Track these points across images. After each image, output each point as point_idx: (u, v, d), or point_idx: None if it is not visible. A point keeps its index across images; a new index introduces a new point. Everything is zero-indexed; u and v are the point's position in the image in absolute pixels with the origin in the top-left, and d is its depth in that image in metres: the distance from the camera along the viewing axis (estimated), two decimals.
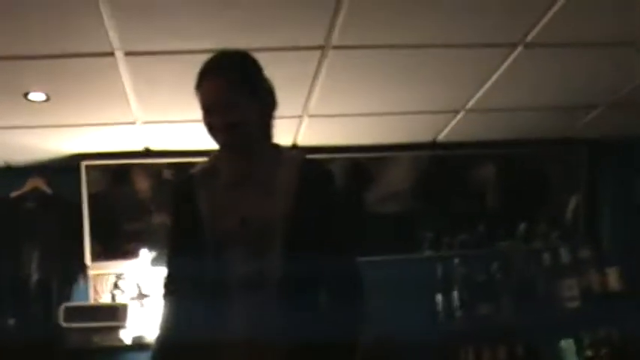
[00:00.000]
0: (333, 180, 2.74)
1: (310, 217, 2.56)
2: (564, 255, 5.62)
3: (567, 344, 5.45)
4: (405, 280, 5.28)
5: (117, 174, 5.30)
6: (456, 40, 4.08)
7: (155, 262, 5.17)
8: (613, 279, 5.51)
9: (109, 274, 5.27)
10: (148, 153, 5.34)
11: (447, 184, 5.77)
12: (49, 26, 3.57)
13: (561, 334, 5.45)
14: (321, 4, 3.57)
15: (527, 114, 5.27)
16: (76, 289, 5.20)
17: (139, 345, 4.95)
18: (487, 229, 5.75)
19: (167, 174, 5.35)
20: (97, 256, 5.24)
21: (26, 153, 5.16)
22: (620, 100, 5.09)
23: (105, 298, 5.22)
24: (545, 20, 3.89)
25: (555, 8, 3.76)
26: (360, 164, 5.48)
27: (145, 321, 5.01)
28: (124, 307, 5.02)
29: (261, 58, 2.70)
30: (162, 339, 2.65)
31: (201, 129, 4.83)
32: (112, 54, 3.87)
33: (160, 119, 4.81)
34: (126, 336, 4.97)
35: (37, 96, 4.31)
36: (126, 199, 5.32)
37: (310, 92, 4.54)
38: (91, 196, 5.25)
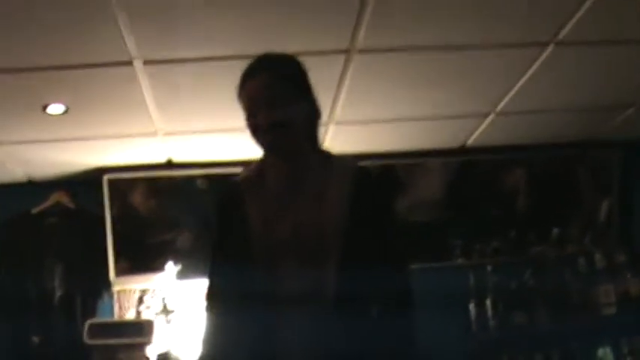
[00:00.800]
0: (389, 191, 2.60)
1: (366, 227, 2.41)
2: (599, 260, 5.51)
3: (605, 352, 5.32)
4: (436, 290, 5.14)
5: (140, 187, 5.22)
6: (484, 41, 3.96)
7: (180, 275, 5.09)
8: None
9: (133, 289, 5.18)
10: (170, 165, 5.25)
11: (478, 190, 5.65)
12: (66, 36, 3.48)
13: (599, 342, 5.33)
14: (346, 7, 3.45)
15: (559, 115, 5.14)
16: (100, 305, 5.11)
17: None
18: (519, 234, 5.62)
19: (201, 183, 5.28)
20: (121, 271, 5.17)
21: (47, 167, 5.10)
22: None
23: (130, 314, 5.14)
24: (576, 18, 3.76)
25: (587, 5, 3.63)
26: (390, 171, 5.37)
27: (171, 337, 4.93)
28: (150, 322, 4.92)
29: None
30: (207, 356, 2.51)
31: (225, 139, 4.84)
32: (130, 63, 3.77)
33: (181, 130, 4.73)
34: (152, 352, 4.86)
35: (56, 108, 4.23)
36: (149, 212, 5.24)
37: (336, 98, 4.42)
38: (114, 210, 5.18)
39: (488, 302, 5.27)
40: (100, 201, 5.17)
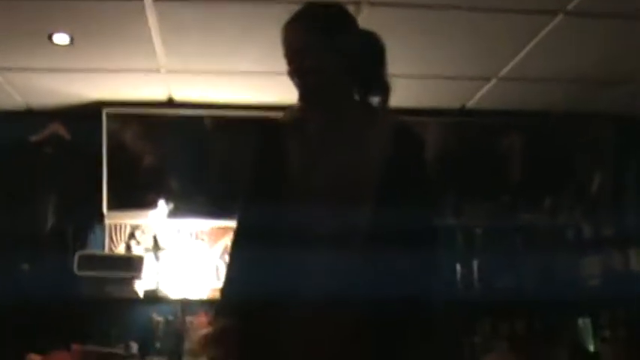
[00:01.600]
0: (425, 147, 2.65)
1: (401, 179, 2.44)
2: (587, 232, 5.53)
3: (585, 323, 5.37)
4: None
5: (138, 123, 5.22)
6: (495, 4, 3.96)
7: (172, 214, 5.12)
8: (635, 260, 5.41)
9: (125, 224, 5.20)
10: (171, 103, 5.25)
11: (473, 153, 5.66)
12: None
13: (580, 312, 5.37)
14: None
15: (560, 85, 5.14)
16: (91, 238, 5.13)
17: (152, 297, 4.91)
18: (511, 200, 5.64)
19: (204, 124, 5.29)
20: (114, 206, 5.17)
21: (47, 97, 5.07)
22: None
23: (120, 249, 5.16)
24: None
25: None
26: None
27: (159, 274, 4.97)
28: (140, 258, 4.96)
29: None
30: (231, 292, 2.54)
31: (229, 81, 4.84)
32: None
33: (185, 68, 4.71)
34: (140, 287, 4.92)
35: (61, 38, 4.21)
36: (146, 148, 5.24)
37: None
38: (110, 145, 5.17)
39: (474, 264, 5.30)
40: (98, 134, 5.16)
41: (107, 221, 5.18)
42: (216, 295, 4.81)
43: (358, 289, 2.37)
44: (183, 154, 5.28)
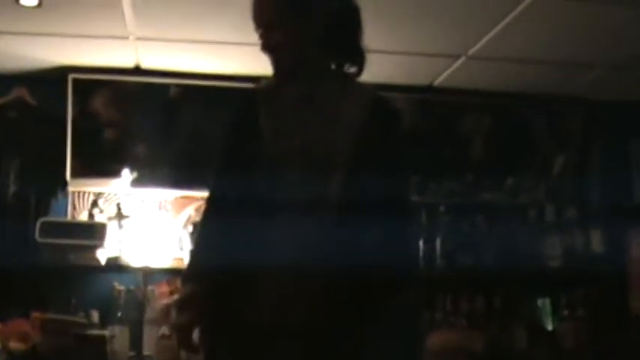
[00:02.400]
0: (401, 121, 2.64)
1: (374, 152, 2.46)
2: (549, 213, 5.57)
3: (544, 303, 5.43)
4: None
5: (104, 90, 5.15)
6: None
7: (136, 183, 5.08)
8: (596, 241, 5.48)
9: (88, 192, 5.15)
10: (138, 70, 5.19)
11: (438, 130, 5.68)
12: None
13: (540, 292, 5.43)
14: None
15: (529, 67, 5.17)
16: (54, 205, 5.06)
17: (114, 266, 4.87)
18: (474, 179, 5.66)
19: (173, 92, 5.23)
20: (77, 173, 5.10)
21: (13, 60, 4.97)
22: (625, 62, 5.01)
23: (83, 216, 5.11)
24: None
25: None
26: None
27: (122, 242, 4.93)
28: (102, 226, 4.91)
29: None
30: (201, 258, 2.56)
31: (198, 50, 4.80)
32: None
33: (155, 36, 4.64)
34: (102, 255, 4.87)
35: (29, 0, 4.13)
36: (111, 116, 5.17)
37: None
38: (75, 111, 5.10)
39: (437, 241, 5.32)
40: (63, 100, 5.08)
41: (70, 189, 5.11)
42: (179, 264, 4.88)
43: (328, 256, 2.39)
44: (150, 123, 5.22)
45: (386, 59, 4.95)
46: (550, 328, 5.37)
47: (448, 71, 5.24)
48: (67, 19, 4.39)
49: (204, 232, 2.62)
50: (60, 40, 4.69)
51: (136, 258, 4.90)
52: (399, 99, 5.42)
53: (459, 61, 5.05)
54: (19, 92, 5.07)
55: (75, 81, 5.09)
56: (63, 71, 5.07)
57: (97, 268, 4.90)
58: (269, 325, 2.43)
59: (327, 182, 2.44)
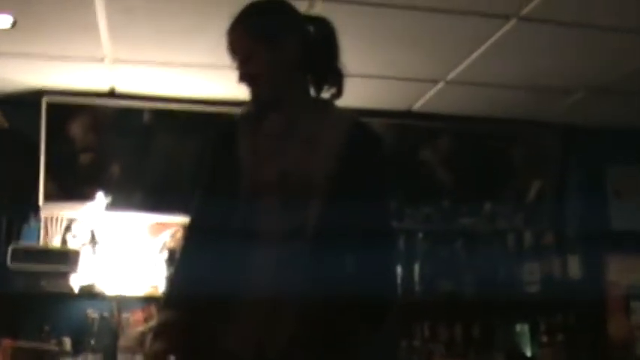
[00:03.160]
0: (381, 146, 2.61)
1: (353, 179, 2.41)
2: (528, 239, 5.57)
3: (523, 329, 5.40)
4: None
5: (79, 113, 5.07)
6: (447, 5, 3.94)
7: (110, 207, 4.99)
8: (574, 266, 5.47)
9: (61, 216, 5.04)
10: (113, 94, 5.11)
11: (416, 155, 5.64)
12: None
13: (519, 318, 5.40)
14: None
15: (507, 92, 5.16)
16: (26, 230, 4.95)
17: (87, 293, 4.78)
18: (452, 205, 5.63)
19: (148, 117, 5.16)
20: (50, 197, 5.01)
21: None
22: (603, 87, 5.03)
23: (56, 242, 5.00)
24: None
25: None
26: None
27: (95, 268, 4.84)
28: (76, 252, 4.82)
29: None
30: (178, 286, 2.53)
31: (175, 74, 4.75)
32: None
33: (131, 58, 4.58)
34: (75, 282, 4.78)
35: (3, 20, 4.04)
36: (85, 139, 5.09)
37: None
38: (49, 134, 5.01)
39: (415, 268, 5.28)
40: (36, 123, 4.99)
41: (43, 213, 5.01)
42: (154, 291, 4.80)
43: (307, 286, 2.35)
44: (125, 147, 5.15)
45: (365, 83, 4.94)
46: (529, 354, 5.34)
47: (427, 96, 5.22)
48: (41, 41, 4.32)
49: (182, 260, 2.59)
50: (34, 62, 4.62)
51: (109, 285, 4.81)
52: (377, 124, 5.41)
53: (438, 86, 5.03)
54: None
55: (49, 104, 5.01)
56: (37, 94, 5.00)
57: (69, 295, 4.80)
58: (246, 355, 2.39)
59: (306, 210, 2.41)
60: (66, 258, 4.78)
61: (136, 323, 4.86)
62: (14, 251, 4.68)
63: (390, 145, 5.49)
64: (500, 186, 5.76)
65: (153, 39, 4.27)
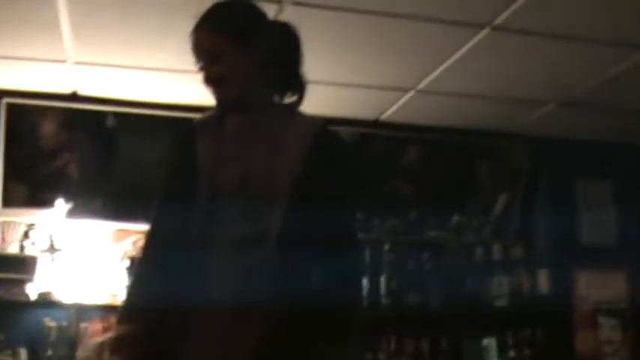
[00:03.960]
0: (347, 152, 2.58)
1: (317, 184, 2.36)
2: (496, 251, 5.53)
3: (490, 342, 5.36)
4: None
5: (40, 116, 4.93)
6: (420, 13, 3.88)
7: (70, 214, 4.86)
8: (543, 281, 5.44)
9: (20, 222, 4.91)
10: (75, 97, 4.98)
11: (382, 166, 5.57)
12: None
13: (486, 332, 5.36)
14: None
15: (477, 102, 5.11)
16: None
17: (45, 301, 4.67)
18: (418, 217, 5.57)
19: (111, 121, 5.04)
20: (8, 202, 4.87)
21: None
22: (573, 99, 5.00)
23: (13, 248, 4.87)
24: (516, 4, 3.73)
25: None
26: None
27: (54, 276, 4.71)
28: (33, 259, 4.71)
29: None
30: (137, 296, 2.43)
31: (139, 77, 4.63)
32: None
33: (94, 61, 4.46)
34: (32, 290, 4.65)
35: None
36: (46, 143, 4.96)
37: None
38: (8, 137, 4.87)
39: (382, 280, 5.20)
40: None
41: (1, 218, 4.87)
42: (114, 300, 4.69)
43: (270, 293, 2.29)
44: (86, 152, 5.02)
45: (332, 91, 4.88)
46: None
47: (396, 105, 5.15)
48: (2, 41, 4.20)
49: (141, 269, 2.51)
50: None
51: (68, 293, 4.69)
52: (344, 133, 5.33)
53: (408, 95, 4.96)
54: None
55: (9, 105, 4.87)
56: None
57: (26, 304, 4.69)
58: None
59: (269, 216, 2.35)
60: (23, 265, 4.67)
61: (94, 333, 4.75)
62: None
63: (356, 155, 5.43)
64: (469, 198, 5.71)
65: (117, 41, 4.16)
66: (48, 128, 4.96)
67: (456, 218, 5.61)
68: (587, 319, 5.48)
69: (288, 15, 3.81)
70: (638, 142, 5.71)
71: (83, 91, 4.95)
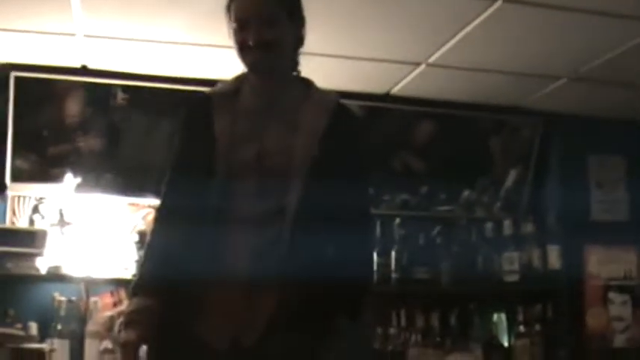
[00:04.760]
0: (363, 127, 2.63)
1: (335, 161, 2.39)
2: (507, 227, 5.52)
3: (500, 318, 5.37)
4: None
5: (49, 90, 4.89)
6: None
7: (80, 189, 4.85)
8: (553, 256, 5.42)
9: (29, 196, 4.90)
10: (85, 71, 4.94)
11: (393, 141, 5.53)
12: None
13: (496, 307, 5.36)
14: None
15: (489, 76, 5.04)
16: None
17: (55, 275, 4.64)
18: (429, 191, 5.55)
19: (121, 95, 5.00)
20: (18, 176, 4.85)
21: None
22: (586, 74, 4.94)
23: (23, 222, 4.86)
24: None
25: None
26: None
27: (63, 250, 4.69)
28: (43, 233, 4.67)
29: None
30: (150, 270, 2.44)
31: (151, 51, 4.59)
32: None
33: (104, 34, 4.41)
34: (42, 264, 4.64)
35: None
36: (56, 118, 4.92)
37: None
38: (17, 111, 4.83)
39: (392, 254, 5.18)
40: (4, 100, 4.82)
41: (10, 193, 4.86)
42: (124, 274, 4.69)
43: (285, 270, 2.31)
44: (96, 126, 4.99)
45: (342, 64, 4.83)
46: (506, 344, 5.30)
47: (407, 79, 5.10)
48: (9, 14, 4.15)
49: (153, 243, 2.50)
50: (2, 36, 4.44)
51: (78, 267, 4.68)
52: (354, 107, 5.29)
53: (419, 69, 4.91)
54: None
55: (17, 79, 4.83)
56: (5, 69, 4.81)
57: (36, 278, 4.67)
58: (221, 345, 2.33)
59: (285, 191, 2.36)
60: (33, 239, 4.63)
61: (104, 307, 4.75)
62: None
63: (368, 129, 5.39)
64: (479, 173, 5.68)
65: (127, 13, 4.11)
66: (57, 102, 4.94)
67: (466, 193, 5.60)
68: (598, 296, 5.46)
69: None
70: None
71: (93, 65, 4.90)
